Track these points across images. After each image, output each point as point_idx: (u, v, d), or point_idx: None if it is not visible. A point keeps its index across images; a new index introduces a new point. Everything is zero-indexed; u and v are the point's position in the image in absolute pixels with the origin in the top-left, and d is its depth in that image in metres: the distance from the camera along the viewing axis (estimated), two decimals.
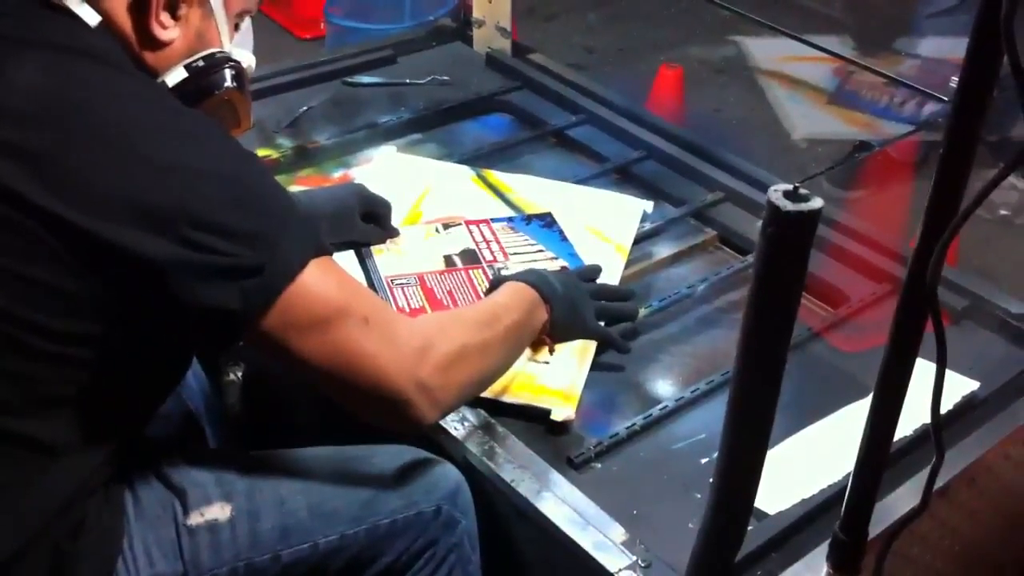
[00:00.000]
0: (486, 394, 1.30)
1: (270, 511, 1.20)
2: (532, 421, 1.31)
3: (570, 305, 1.33)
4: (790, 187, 0.86)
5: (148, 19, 1.09)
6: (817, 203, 0.85)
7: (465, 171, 1.78)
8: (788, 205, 0.85)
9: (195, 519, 1.18)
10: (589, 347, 1.40)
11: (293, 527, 1.20)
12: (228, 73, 1.16)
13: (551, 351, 1.36)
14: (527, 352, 1.35)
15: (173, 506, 1.18)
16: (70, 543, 1.10)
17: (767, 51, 3.08)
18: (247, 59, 1.21)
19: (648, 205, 1.72)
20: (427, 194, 1.71)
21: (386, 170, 1.77)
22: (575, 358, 1.38)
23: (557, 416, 1.30)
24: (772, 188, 0.86)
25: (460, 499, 1.26)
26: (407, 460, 1.27)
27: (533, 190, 1.74)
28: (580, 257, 1.56)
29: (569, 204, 1.71)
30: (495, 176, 1.77)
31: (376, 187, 1.61)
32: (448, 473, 1.27)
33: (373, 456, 1.28)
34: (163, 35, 1.10)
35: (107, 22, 1.07)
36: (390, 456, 1.28)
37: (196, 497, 1.19)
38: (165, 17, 1.10)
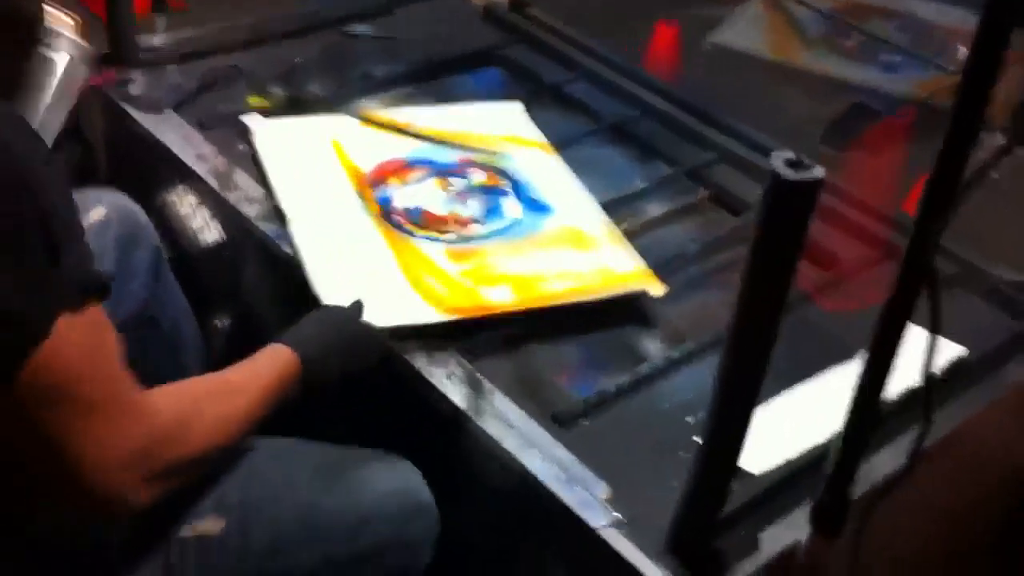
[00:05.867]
0: (575, 299, 1.38)
1: (262, 527, 1.15)
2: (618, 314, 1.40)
3: (327, 359, 1.23)
4: (792, 155, 0.86)
5: None
6: (818, 172, 0.84)
7: (347, 120, 1.71)
8: (790, 174, 0.84)
9: (186, 532, 1.12)
10: (614, 227, 1.51)
11: (283, 545, 1.16)
12: None
13: None
14: (574, 251, 1.46)
15: (164, 513, 1.08)
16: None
17: None
18: None
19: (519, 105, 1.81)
20: (341, 148, 1.64)
21: (273, 139, 1.64)
22: (618, 243, 1.48)
23: (657, 292, 1.40)
24: (774, 155, 0.86)
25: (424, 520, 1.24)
26: (397, 476, 1.24)
27: (429, 120, 1.73)
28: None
29: (471, 125, 1.73)
30: (382, 116, 1.73)
31: (280, 157, 1.58)
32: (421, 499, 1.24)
33: (367, 464, 1.24)
34: None
35: None
36: (383, 467, 1.24)
37: (189, 507, 1.12)
38: None
